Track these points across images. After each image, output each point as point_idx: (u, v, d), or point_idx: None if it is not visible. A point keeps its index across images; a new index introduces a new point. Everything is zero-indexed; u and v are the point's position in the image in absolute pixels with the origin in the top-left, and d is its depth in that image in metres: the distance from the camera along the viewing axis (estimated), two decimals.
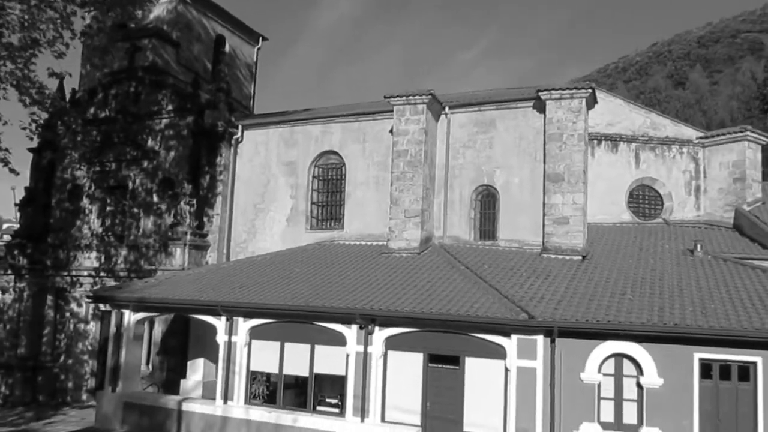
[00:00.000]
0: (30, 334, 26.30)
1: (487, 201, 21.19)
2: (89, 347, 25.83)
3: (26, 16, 18.63)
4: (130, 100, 26.47)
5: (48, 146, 27.67)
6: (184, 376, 21.92)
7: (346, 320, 16.15)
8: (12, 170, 20.41)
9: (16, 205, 27.29)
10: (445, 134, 21.70)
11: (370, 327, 15.90)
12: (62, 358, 26.38)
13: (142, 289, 19.30)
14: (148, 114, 25.88)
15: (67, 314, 26.54)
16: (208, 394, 20.62)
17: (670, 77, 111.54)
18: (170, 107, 25.55)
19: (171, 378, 22.43)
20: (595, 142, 23.15)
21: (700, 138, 23.74)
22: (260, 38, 34.47)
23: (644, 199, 23.69)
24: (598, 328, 13.68)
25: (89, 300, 25.29)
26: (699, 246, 18.71)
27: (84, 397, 25.47)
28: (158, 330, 22.87)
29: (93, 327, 25.95)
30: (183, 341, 22.64)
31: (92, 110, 27.07)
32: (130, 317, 19.23)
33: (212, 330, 21.47)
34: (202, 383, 21.23)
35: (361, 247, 21.55)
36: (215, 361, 21.68)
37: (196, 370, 21.69)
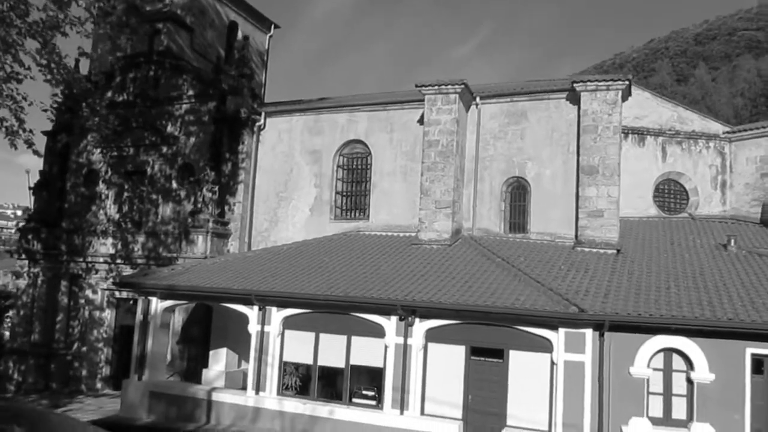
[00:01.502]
0: (44, 321, 25.91)
1: (518, 193, 20.97)
2: (104, 335, 25.46)
3: None
4: (149, 85, 26.01)
5: (63, 129, 27.17)
6: (206, 366, 21.62)
7: (385, 311, 15.90)
8: (36, 152, 20.01)
9: (30, 188, 26.77)
10: (475, 125, 21.43)
11: (410, 318, 15.66)
12: (75, 346, 26.00)
13: (170, 277, 18.95)
14: (168, 99, 25.44)
15: (81, 301, 26.14)
16: (231, 384, 20.38)
17: (668, 74, 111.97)
18: (191, 92, 25.13)
19: (192, 367, 22.12)
20: (622, 135, 22.93)
21: (727, 133, 23.59)
22: (272, 26, 34.05)
23: (670, 193, 23.54)
24: (651, 322, 13.50)
25: (112, 287, 24.97)
26: (732, 241, 18.59)
27: (98, 385, 25.11)
28: (179, 318, 22.52)
29: (108, 314, 25.58)
30: (204, 330, 22.33)
31: (109, 94, 26.59)
32: (157, 305, 18.89)
33: (236, 319, 21.20)
34: (224, 373, 20.93)
35: (389, 238, 21.28)
36: (238, 351, 21.52)
37: (219, 359, 21.40)
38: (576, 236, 19.46)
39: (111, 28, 23.87)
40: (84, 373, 25.22)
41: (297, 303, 16.90)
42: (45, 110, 21.09)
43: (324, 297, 16.18)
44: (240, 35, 31.06)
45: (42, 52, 18.49)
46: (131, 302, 25.47)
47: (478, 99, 21.31)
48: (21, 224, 26.80)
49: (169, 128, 25.24)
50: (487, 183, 21.13)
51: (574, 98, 20.06)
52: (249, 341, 21.33)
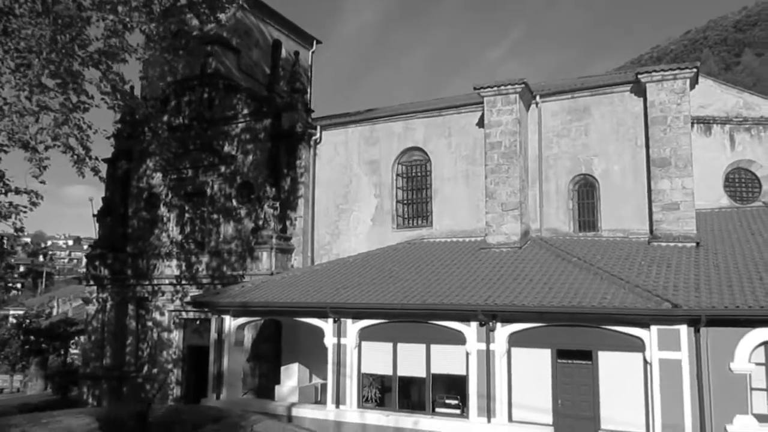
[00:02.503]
0: (114, 344, 26.26)
1: (585, 191, 20.49)
2: (173, 355, 25.68)
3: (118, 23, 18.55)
4: (204, 106, 26.31)
5: (123, 156, 27.65)
6: (278, 382, 21.59)
7: (465, 317, 15.60)
8: (101, 179, 20.40)
9: (94, 215, 27.28)
10: (536, 124, 21.05)
11: (491, 323, 15.33)
12: (146, 368, 26.28)
13: (241, 294, 18.99)
14: (223, 119, 25.68)
15: (149, 323, 26.44)
16: (304, 399, 20.28)
17: (714, 62, 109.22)
18: (246, 111, 25.33)
19: (263, 384, 22.12)
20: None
21: None
22: (314, 41, 34.25)
23: (741, 182, 22.70)
24: (750, 314, 12.91)
25: (179, 308, 25.21)
26: None
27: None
28: (248, 336, 22.55)
29: (176, 335, 25.80)
30: (274, 347, 22.34)
31: (165, 118, 26.99)
32: (230, 323, 18.95)
33: (306, 334, 21.15)
34: (297, 389, 20.85)
35: (455, 244, 21.00)
36: (309, 365, 21.44)
37: (291, 375, 21.34)
38: (651, 231, 18.88)
39: (167, 52, 24.30)
40: (157, 395, 25.42)
41: (373, 314, 16.73)
42: (108, 137, 21.54)
43: (401, 306, 15.96)
44: (284, 53, 31.29)
45: (104, 79, 18.81)
46: (197, 322, 25.69)
47: (537, 97, 20.94)
48: (87, 251, 27.26)
49: (226, 148, 25.45)
50: (552, 182, 20.71)
51: (639, 90, 19.55)
52: (320, 356, 21.27)
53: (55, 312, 41.00)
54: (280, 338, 22.11)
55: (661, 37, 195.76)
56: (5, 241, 18.33)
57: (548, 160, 20.85)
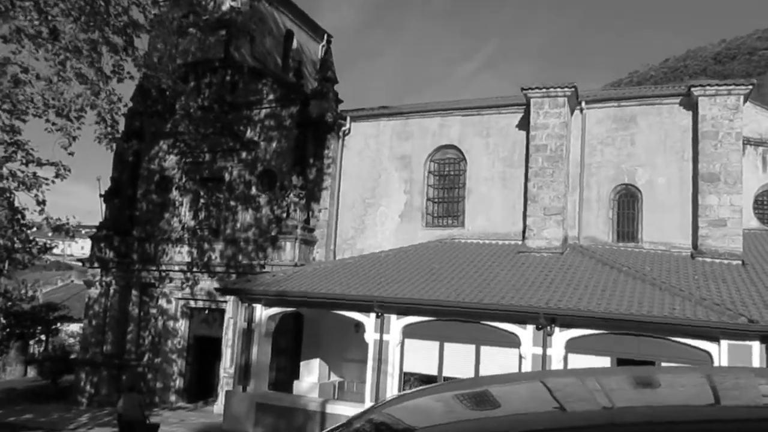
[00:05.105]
0: (116, 331, 25.11)
1: (626, 201, 20.21)
2: (178, 346, 24.66)
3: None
4: (225, 89, 25.42)
5: (134, 136, 26.52)
6: (296, 377, 20.84)
7: (521, 320, 15.10)
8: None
9: (101, 196, 26.08)
10: (579, 130, 20.72)
11: (549, 327, 14.85)
12: (147, 357, 25.20)
13: (275, 283, 18.20)
14: (246, 104, 24.84)
15: (153, 311, 25.39)
16: (324, 396, 19.56)
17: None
18: (271, 96, 24.54)
19: (281, 379, 21.30)
20: None
21: None
22: (325, 35, 33.60)
23: None
24: None
25: (188, 296, 24.30)
26: None
27: (172, 398, 24.27)
28: None
29: (182, 324, 24.80)
30: (293, 341, 21.57)
31: (182, 100, 25.98)
32: (261, 312, 18.12)
33: (329, 330, 20.48)
34: (318, 385, 20.13)
35: (488, 246, 20.50)
36: (329, 362, 20.73)
37: (311, 371, 20.63)
38: (694, 246, 18.66)
39: (175, 33, 23.48)
40: (158, 385, 24.38)
41: (421, 310, 16.11)
42: (124, 114, 20.77)
43: (455, 304, 15.39)
44: (295, 43, 30.62)
45: (128, 48, 18.03)
46: (206, 312, 24.76)
47: (583, 103, 20.64)
48: (93, 232, 26.07)
49: (249, 133, 24.61)
50: (594, 190, 20.39)
51: (689, 103, 19.37)
52: (340, 352, 20.71)
53: (39, 296, 39.31)
54: (300, 332, 21.35)
55: (638, 63, 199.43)
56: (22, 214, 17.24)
57: (590, 167, 20.53)
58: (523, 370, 15.11)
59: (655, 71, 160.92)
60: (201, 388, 25.03)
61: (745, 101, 19.30)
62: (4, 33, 16.04)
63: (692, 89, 19.07)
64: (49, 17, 16.33)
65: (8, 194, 16.35)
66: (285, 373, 21.29)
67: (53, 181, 17.52)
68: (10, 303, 33.56)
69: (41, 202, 17.10)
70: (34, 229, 18.76)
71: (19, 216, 16.70)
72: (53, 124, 17.10)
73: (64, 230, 17.88)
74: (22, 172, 16.91)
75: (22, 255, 16.92)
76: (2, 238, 15.99)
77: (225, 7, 27.26)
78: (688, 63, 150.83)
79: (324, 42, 33.85)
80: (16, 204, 16.88)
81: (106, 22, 16.93)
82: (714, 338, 13.63)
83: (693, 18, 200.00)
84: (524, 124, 21.03)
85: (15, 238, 16.24)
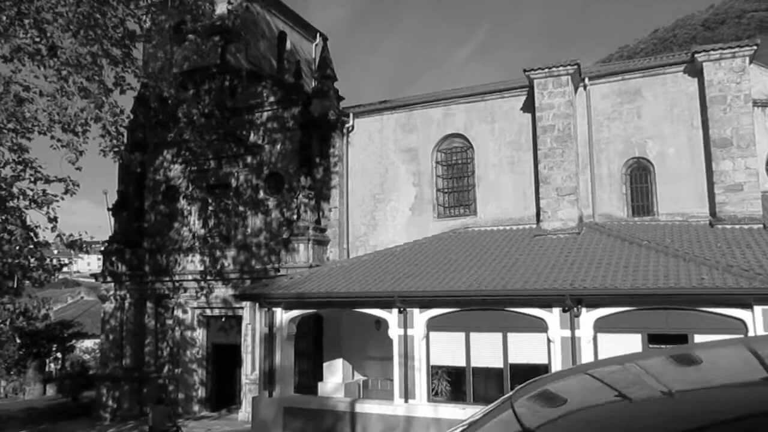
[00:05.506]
0: (134, 344, 24.99)
1: (638, 174, 20.01)
2: (197, 355, 24.54)
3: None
4: (225, 95, 25.20)
5: (137, 147, 26.31)
6: (319, 379, 20.70)
7: (547, 303, 14.95)
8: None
9: (108, 209, 25.92)
10: (584, 107, 20.51)
11: (576, 309, 14.69)
12: (166, 368, 25.08)
13: (293, 286, 18.04)
14: (247, 108, 24.62)
15: (169, 321, 25.26)
16: (350, 395, 19.42)
17: None
18: (272, 99, 24.32)
19: (304, 382, 21.14)
20: None
21: None
22: (317, 34, 33.34)
23: None
24: None
25: (204, 305, 24.16)
26: None
27: (195, 408, 24.15)
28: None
29: (199, 333, 24.67)
30: (313, 343, 21.42)
31: (184, 107, 25.76)
32: (281, 316, 17.97)
33: (349, 329, 20.35)
34: (343, 385, 19.98)
35: (504, 232, 20.33)
36: (351, 361, 20.59)
37: (335, 371, 20.48)
38: (712, 214, 18.48)
39: (169, 43, 23.28)
40: (180, 396, 24.26)
41: (444, 302, 15.96)
42: (125, 127, 20.77)
43: (478, 293, 15.22)
44: (289, 45, 30.38)
45: (127, 59, 17.91)
46: (223, 319, 24.62)
47: (586, 80, 20.41)
48: (103, 247, 25.89)
49: (252, 137, 24.42)
50: (604, 166, 20.19)
51: (694, 70, 19.16)
52: (361, 351, 20.58)
53: (51, 315, 39.22)
54: (320, 334, 21.21)
55: (628, 38, 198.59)
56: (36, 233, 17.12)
57: (599, 144, 20.33)
58: (552, 354, 14.99)
59: (645, 43, 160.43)
60: (222, 396, 24.95)
61: (750, 62, 19.07)
62: (5, 53, 15.91)
63: (696, 55, 18.85)
64: (48, 33, 16.19)
65: (20, 213, 16.22)
66: (307, 376, 21.14)
67: (62, 198, 17.43)
68: (31, 321, 33.52)
69: (53, 219, 16.99)
70: (47, 247, 18.70)
71: (32, 234, 16.56)
72: (58, 140, 17.01)
73: (77, 246, 17.77)
74: (32, 190, 16.82)
75: (38, 273, 16.75)
76: (18, 257, 15.85)
77: (219, 12, 27.05)
78: (677, 32, 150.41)
79: (317, 41, 33.63)
80: (28, 222, 16.76)
81: (105, 34, 16.79)
82: (747, 305, 13.47)
83: None
84: (529, 107, 20.83)
85: (30, 257, 16.10)
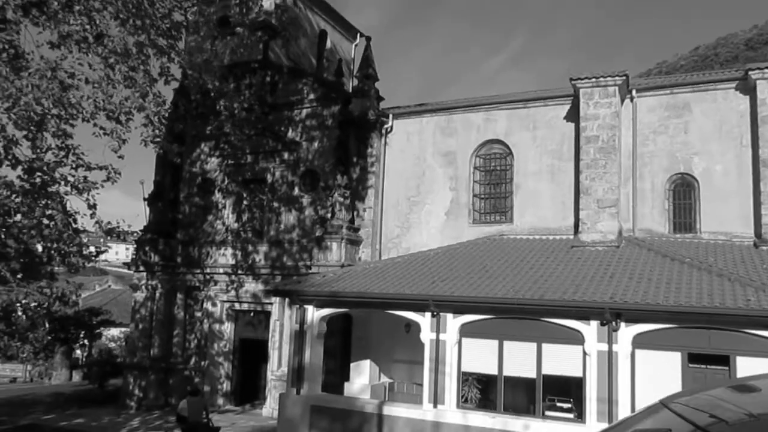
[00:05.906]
0: (162, 334, 25.15)
1: (682, 190, 19.59)
2: (224, 349, 24.59)
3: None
4: (265, 91, 25.28)
5: (176, 139, 26.49)
6: (346, 379, 20.59)
7: (585, 316, 14.64)
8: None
9: (144, 199, 26.16)
10: (630, 119, 20.15)
11: (614, 323, 14.37)
12: (193, 360, 25.18)
13: (326, 284, 17.95)
14: (286, 104, 24.67)
15: (198, 314, 25.37)
16: (376, 397, 19.28)
17: None
18: (312, 96, 24.33)
19: (330, 381, 21.02)
20: None
21: None
22: (358, 34, 33.37)
23: None
24: None
25: (233, 298, 24.23)
26: None
27: (220, 401, 24.19)
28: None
29: (227, 327, 24.72)
30: (341, 343, 21.33)
31: (223, 101, 25.90)
32: (313, 314, 17.89)
33: (378, 330, 20.22)
34: (369, 387, 19.85)
35: (541, 241, 20.05)
36: (379, 363, 20.46)
37: (361, 372, 20.37)
38: (758, 235, 18.00)
39: (212, 37, 23.41)
40: (206, 388, 24.30)
41: (478, 308, 15.74)
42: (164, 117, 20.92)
43: (515, 301, 14.98)
44: (329, 44, 30.44)
45: (172, 50, 18.03)
46: (251, 314, 24.64)
47: (633, 92, 20.06)
48: (138, 236, 26.09)
49: (290, 133, 24.45)
50: (647, 181, 19.80)
51: (746, 87, 18.72)
52: (388, 353, 20.46)
53: (81, 301, 39.75)
54: (349, 334, 21.11)
55: (667, 53, 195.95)
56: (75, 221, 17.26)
57: (643, 157, 19.95)
58: (587, 367, 14.68)
59: (685, 60, 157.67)
60: (247, 390, 24.96)
61: None
62: (53, 39, 16.10)
63: (750, 72, 18.41)
64: (97, 21, 16.35)
65: (60, 198, 16.37)
66: (334, 375, 21.03)
67: (102, 185, 17.57)
68: (66, 306, 33.86)
69: (92, 206, 17.13)
70: (85, 233, 18.86)
71: (72, 220, 16.70)
72: (101, 128, 17.13)
73: (115, 233, 17.92)
74: (73, 176, 16.97)
75: (76, 259, 16.88)
76: (58, 242, 16.00)
77: (266, 6, 27.17)
78: (719, 51, 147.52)
79: (357, 41, 33.67)
80: (68, 208, 16.91)
81: (153, 24, 16.92)
82: None
83: (721, 4, 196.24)
84: (572, 116, 20.54)
85: (70, 243, 16.24)
